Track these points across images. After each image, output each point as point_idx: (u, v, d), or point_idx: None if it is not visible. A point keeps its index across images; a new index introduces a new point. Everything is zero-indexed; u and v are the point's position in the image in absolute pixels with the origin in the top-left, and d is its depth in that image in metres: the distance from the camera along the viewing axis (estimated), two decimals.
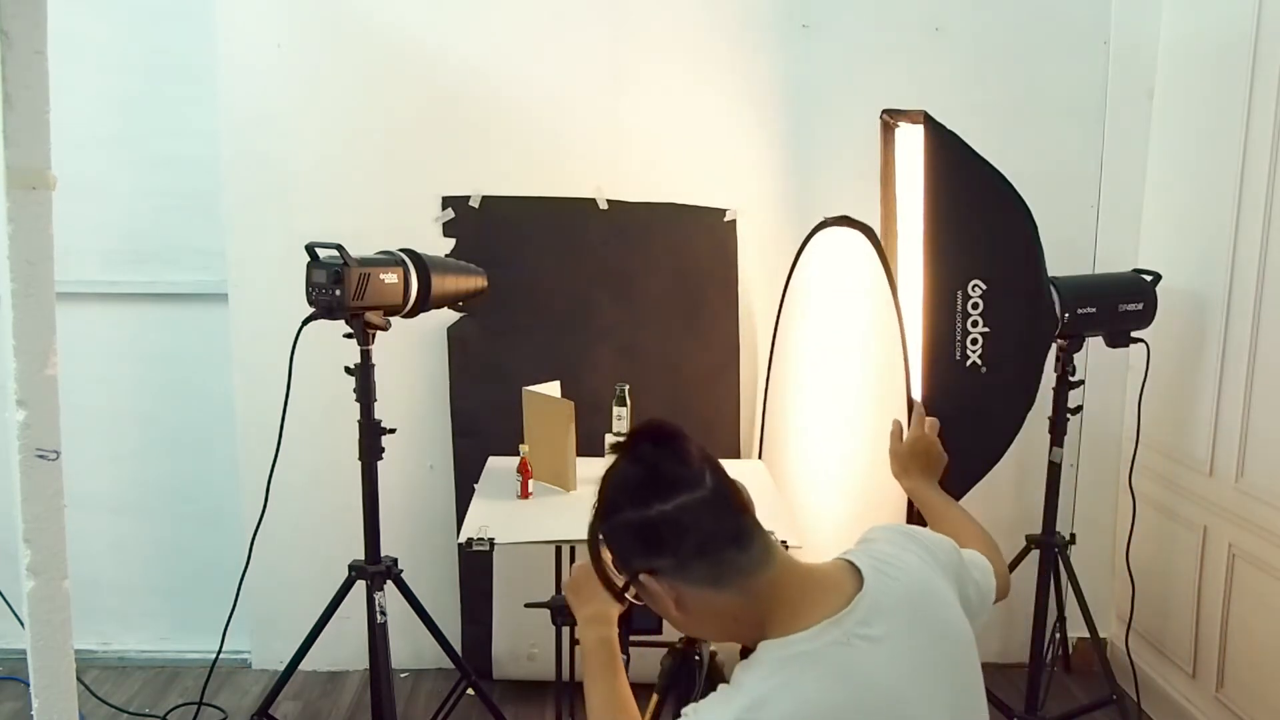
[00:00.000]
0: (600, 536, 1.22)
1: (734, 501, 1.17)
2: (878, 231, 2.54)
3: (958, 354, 2.16)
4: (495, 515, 2.46)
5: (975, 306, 2.14)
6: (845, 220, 2.62)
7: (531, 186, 3.08)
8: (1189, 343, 2.79)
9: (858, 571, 1.19)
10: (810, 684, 1.09)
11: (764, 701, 1.08)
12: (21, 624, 1.52)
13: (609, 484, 1.20)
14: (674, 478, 1.15)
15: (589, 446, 2.81)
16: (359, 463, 2.32)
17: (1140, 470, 2.86)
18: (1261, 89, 2.50)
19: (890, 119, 2.56)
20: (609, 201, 3.10)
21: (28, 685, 1.54)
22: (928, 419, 1.70)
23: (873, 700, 1.11)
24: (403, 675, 3.20)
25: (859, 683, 1.11)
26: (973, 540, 1.47)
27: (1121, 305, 2.53)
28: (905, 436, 1.71)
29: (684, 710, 1.13)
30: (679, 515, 1.14)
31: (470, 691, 2.60)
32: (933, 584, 1.23)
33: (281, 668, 2.53)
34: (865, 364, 2.57)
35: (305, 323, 2.17)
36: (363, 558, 2.38)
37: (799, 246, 2.94)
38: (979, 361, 2.16)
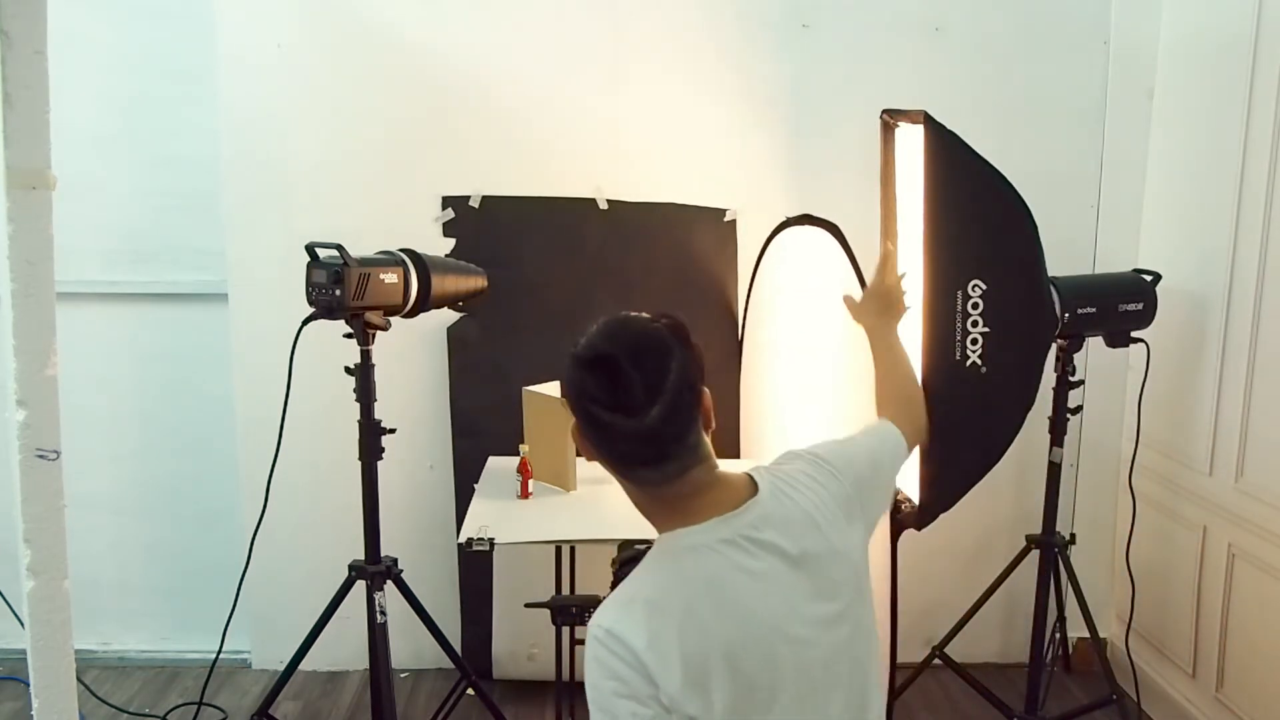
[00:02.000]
0: (570, 355, 1.25)
1: (666, 435, 1.20)
2: (850, 229, 2.54)
3: (958, 354, 2.15)
4: (495, 515, 2.46)
5: (975, 306, 2.14)
6: (808, 219, 2.62)
7: (531, 186, 3.08)
8: (1189, 343, 2.79)
9: (756, 486, 1.27)
10: (679, 570, 1.20)
11: (644, 581, 1.21)
12: (21, 624, 1.52)
13: (581, 349, 1.22)
14: (623, 402, 1.18)
15: None
16: (359, 463, 2.32)
17: (1140, 470, 2.86)
18: (1261, 89, 2.50)
19: (890, 119, 2.55)
20: (609, 201, 3.10)
21: (28, 685, 1.54)
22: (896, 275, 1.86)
23: (739, 595, 1.19)
24: (403, 675, 3.20)
25: (732, 582, 1.19)
26: (891, 401, 1.61)
27: (1121, 305, 2.53)
28: (871, 280, 1.85)
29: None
30: (607, 425, 1.20)
31: (470, 691, 2.60)
32: (822, 513, 1.29)
33: (281, 668, 2.53)
34: (840, 361, 2.56)
35: (305, 323, 2.17)
36: (363, 558, 2.37)
37: (760, 249, 2.94)
38: (979, 361, 2.16)
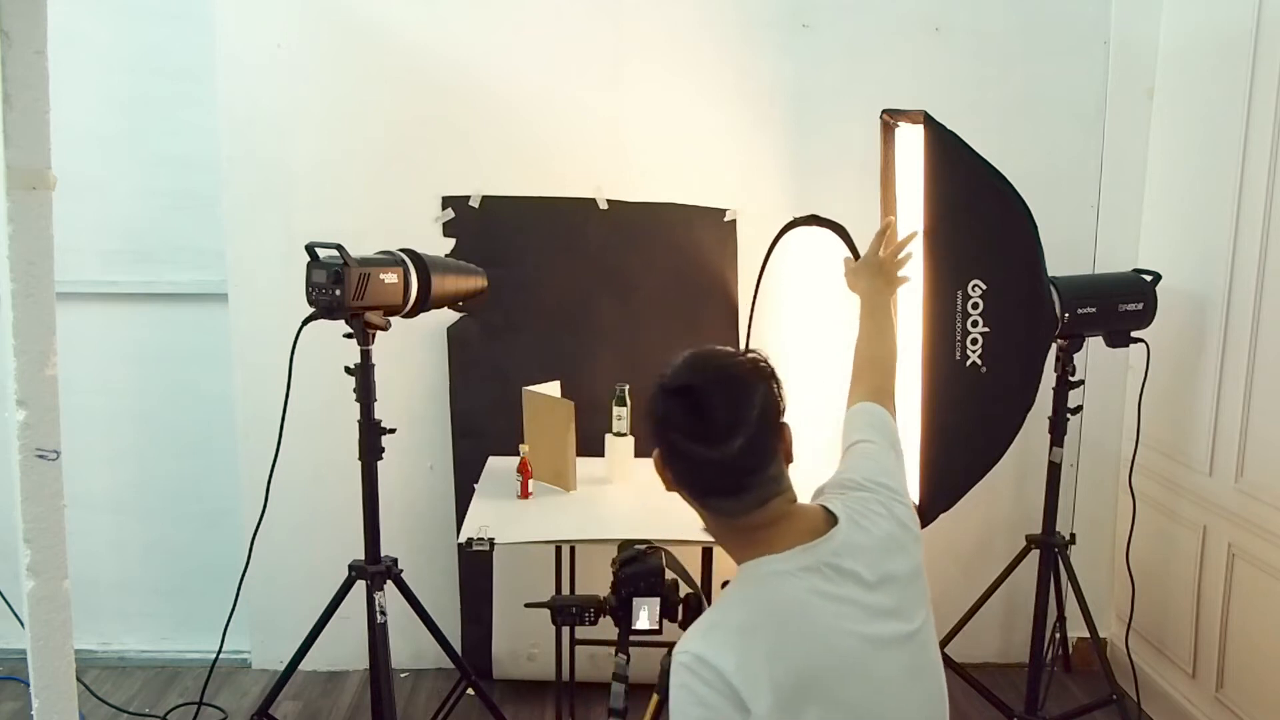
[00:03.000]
0: (656, 386, 1.27)
1: (745, 467, 1.21)
2: (850, 229, 2.53)
3: (958, 354, 2.15)
4: (495, 515, 2.46)
5: (975, 306, 2.14)
6: (815, 220, 2.61)
7: (531, 186, 3.08)
8: (1189, 343, 2.79)
9: (832, 515, 1.28)
10: (764, 596, 1.20)
11: (730, 607, 1.21)
12: (21, 624, 1.52)
13: (667, 379, 1.24)
14: (704, 432, 1.20)
15: (589, 446, 2.81)
16: (359, 462, 2.32)
17: (1140, 470, 2.86)
18: (1261, 89, 2.50)
19: (890, 119, 2.55)
20: (609, 201, 3.10)
21: (28, 685, 1.54)
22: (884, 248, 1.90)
23: (824, 619, 1.19)
24: (403, 675, 3.20)
25: (815, 607, 1.19)
26: (869, 364, 1.66)
27: (1121, 305, 2.53)
28: (867, 250, 1.87)
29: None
30: (688, 455, 1.21)
31: (470, 691, 2.60)
32: (895, 537, 1.32)
33: (281, 668, 2.53)
34: (847, 360, 2.55)
35: (305, 323, 2.17)
36: (363, 558, 2.37)
37: (767, 249, 2.92)
38: (979, 361, 2.16)
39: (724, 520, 1.26)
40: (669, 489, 1.28)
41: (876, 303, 1.79)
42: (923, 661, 1.27)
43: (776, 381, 1.26)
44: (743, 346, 3.11)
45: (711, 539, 1.31)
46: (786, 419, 1.27)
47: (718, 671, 1.13)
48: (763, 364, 1.26)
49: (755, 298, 3.05)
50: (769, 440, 1.23)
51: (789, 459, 1.27)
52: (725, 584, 1.32)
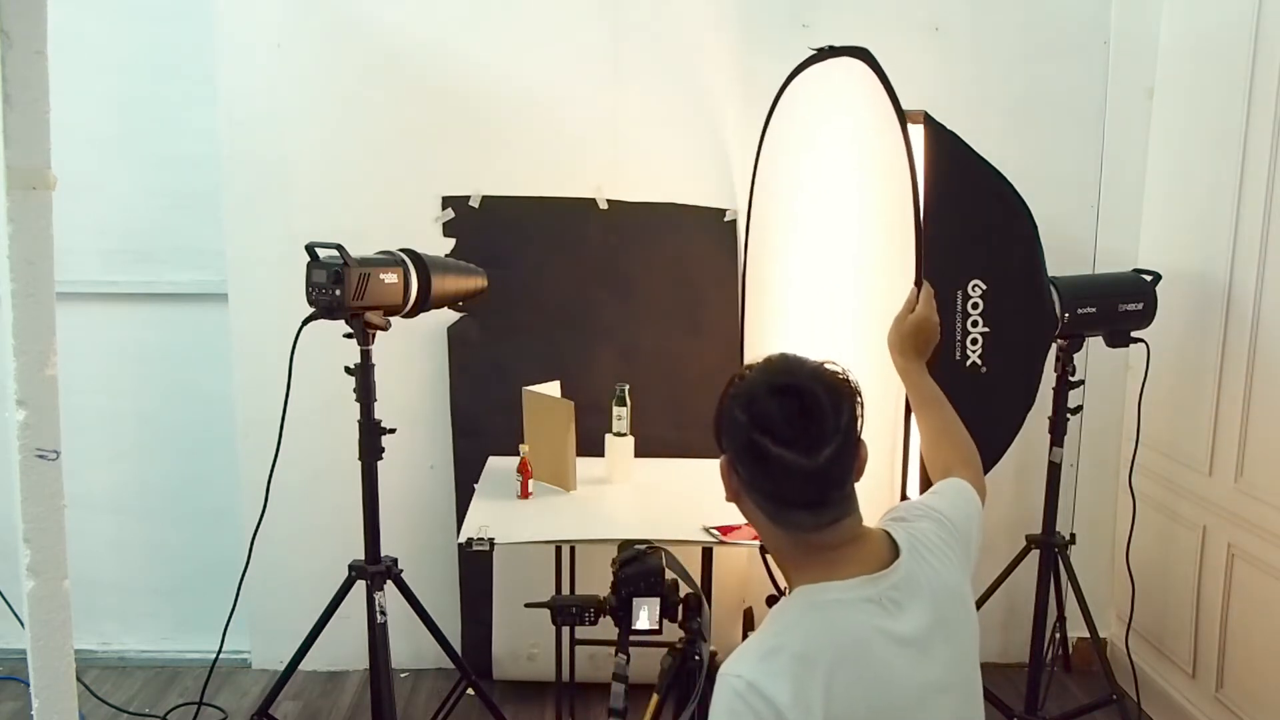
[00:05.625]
0: (727, 391, 1.23)
1: (831, 478, 1.18)
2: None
3: (958, 354, 2.15)
4: (495, 515, 2.46)
5: (975, 306, 2.14)
6: (833, 50, 2.37)
7: (531, 186, 3.08)
8: (1189, 343, 2.79)
9: (895, 544, 1.24)
10: (826, 625, 1.16)
11: (789, 631, 1.16)
12: (21, 624, 1.52)
13: (760, 379, 1.20)
14: (800, 437, 1.15)
15: (589, 446, 2.80)
16: (359, 462, 2.32)
17: (1140, 470, 2.86)
18: (1261, 88, 2.50)
19: None
20: (609, 201, 3.10)
21: (28, 685, 1.54)
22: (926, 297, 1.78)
23: (885, 659, 1.16)
24: (403, 675, 3.20)
25: (876, 645, 1.16)
26: (956, 448, 1.58)
27: (1121, 305, 2.53)
28: (912, 313, 1.76)
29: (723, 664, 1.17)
30: (775, 460, 1.16)
31: (470, 691, 2.60)
32: (956, 580, 1.28)
33: (281, 668, 2.53)
34: (868, 226, 2.37)
35: (305, 323, 2.17)
36: (363, 558, 2.37)
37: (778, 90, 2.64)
38: (979, 361, 2.15)
39: (794, 535, 1.20)
40: (730, 499, 1.24)
41: (926, 390, 1.70)
42: (967, 707, 1.24)
43: (859, 394, 1.22)
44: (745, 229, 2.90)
45: (772, 554, 1.26)
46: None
47: (771, 702, 1.08)
48: (842, 374, 1.22)
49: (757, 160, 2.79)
50: (852, 454, 1.19)
51: (859, 477, 1.23)
52: (770, 598, 1.28)
